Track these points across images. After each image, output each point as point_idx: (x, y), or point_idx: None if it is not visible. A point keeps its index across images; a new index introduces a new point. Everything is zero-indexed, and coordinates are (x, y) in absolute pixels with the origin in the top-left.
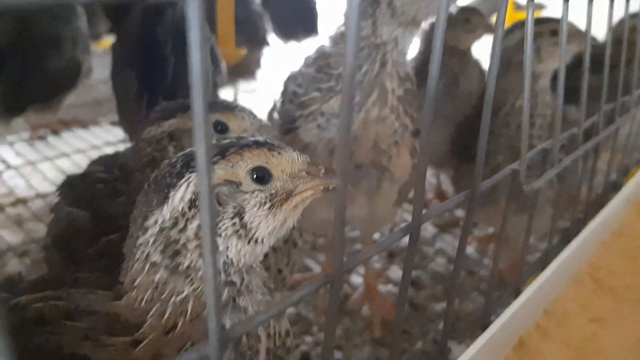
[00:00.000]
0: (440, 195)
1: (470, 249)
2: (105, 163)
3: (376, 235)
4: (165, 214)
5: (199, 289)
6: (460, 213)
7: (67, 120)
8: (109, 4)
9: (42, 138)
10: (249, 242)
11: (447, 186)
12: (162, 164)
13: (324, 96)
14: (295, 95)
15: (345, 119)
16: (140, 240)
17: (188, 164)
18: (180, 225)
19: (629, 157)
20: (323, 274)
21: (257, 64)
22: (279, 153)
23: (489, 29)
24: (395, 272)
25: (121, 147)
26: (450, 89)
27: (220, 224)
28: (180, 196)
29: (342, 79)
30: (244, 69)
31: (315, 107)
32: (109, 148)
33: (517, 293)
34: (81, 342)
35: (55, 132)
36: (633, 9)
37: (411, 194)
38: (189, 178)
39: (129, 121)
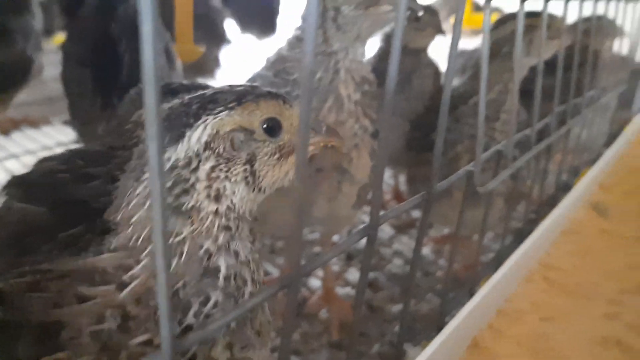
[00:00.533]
0: (398, 197)
1: (426, 250)
2: (58, 158)
3: (335, 238)
4: (179, 152)
5: (196, 230)
6: (416, 214)
7: (17, 119)
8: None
9: None
10: (253, 189)
11: (405, 187)
12: (173, 103)
13: None
14: None
15: (304, 121)
16: (148, 175)
17: (205, 106)
18: (193, 165)
19: (579, 158)
20: (280, 278)
21: (217, 62)
22: (291, 106)
23: (439, 28)
24: (354, 274)
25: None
26: (403, 87)
27: (232, 168)
28: (197, 137)
29: (299, 83)
30: (203, 67)
31: None
32: (61, 149)
33: (471, 293)
34: (50, 310)
35: (5, 132)
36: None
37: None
38: (205, 120)
39: (81, 120)
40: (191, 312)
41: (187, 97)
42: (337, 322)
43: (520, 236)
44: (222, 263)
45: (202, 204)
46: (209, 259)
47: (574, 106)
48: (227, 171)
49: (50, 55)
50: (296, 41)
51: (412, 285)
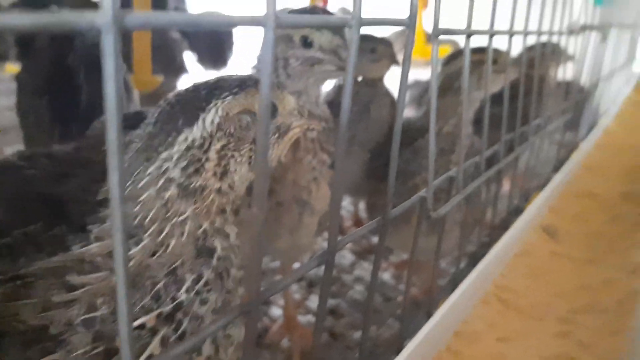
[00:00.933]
0: (358, 224)
1: (386, 276)
2: (16, 155)
3: (296, 265)
4: (195, 133)
5: (198, 209)
6: (376, 239)
7: None
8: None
9: None
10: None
11: (364, 214)
12: (178, 92)
13: None
14: None
15: (262, 155)
16: (164, 155)
17: (212, 92)
18: (205, 146)
19: (529, 183)
20: (240, 304)
21: None
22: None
23: (393, 59)
24: (315, 301)
25: None
26: (362, 117)
27: (241, 147)
28: (210, 119)
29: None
30: (161, 97)
31: None
32: None
33: (429, 316)
34: (39, 315)
35: None
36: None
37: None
38: (216, 104)
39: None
40: (184, 288)
41: (191, 85)
42: (299, 351)
43: (475, 259)
44: (218, 244)
45: (209, 182)
46: (204, 239)
47: (521, 134)
48: (235, 150)
49: (1, 84)
50: None
51: (370, 310)
